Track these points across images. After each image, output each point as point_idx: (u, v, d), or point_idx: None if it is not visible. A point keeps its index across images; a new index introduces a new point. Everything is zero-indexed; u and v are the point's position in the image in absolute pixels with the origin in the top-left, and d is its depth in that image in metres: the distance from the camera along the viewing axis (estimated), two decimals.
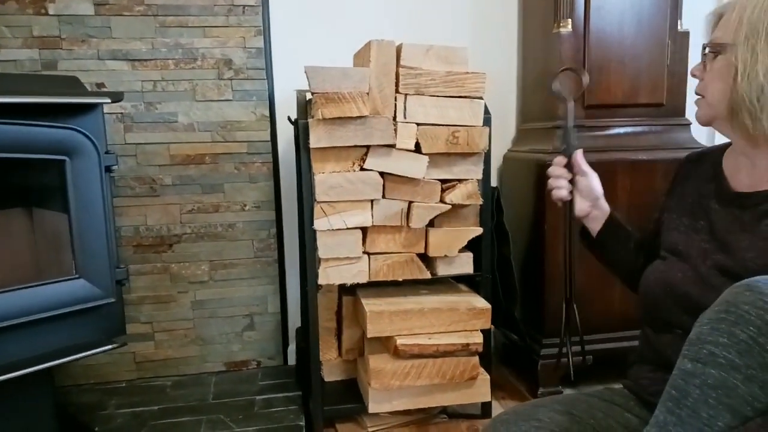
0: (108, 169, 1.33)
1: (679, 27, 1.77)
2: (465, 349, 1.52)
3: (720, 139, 1.02)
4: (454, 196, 1.52)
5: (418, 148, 1.47)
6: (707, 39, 0.94)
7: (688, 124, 1.81)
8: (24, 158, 1.22)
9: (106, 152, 1.33)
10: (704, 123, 0.97)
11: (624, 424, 0.98)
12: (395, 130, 1.45)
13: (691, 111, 1.86)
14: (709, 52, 0.91)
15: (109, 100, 1.30)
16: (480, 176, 1.54)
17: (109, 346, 1.33)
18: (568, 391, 1.76)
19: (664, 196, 1.11)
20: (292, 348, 2.01)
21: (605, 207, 1.15)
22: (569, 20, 1.69)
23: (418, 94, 1.45)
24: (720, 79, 0.89)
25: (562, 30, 1.69)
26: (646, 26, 1.73)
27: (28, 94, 1.21)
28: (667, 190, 1.10)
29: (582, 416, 0.98)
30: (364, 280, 1.53)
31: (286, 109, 1.86)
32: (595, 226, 1.16)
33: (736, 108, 0.87)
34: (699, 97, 0.96)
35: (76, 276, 1.32)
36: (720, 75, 0.89)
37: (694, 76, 0.97)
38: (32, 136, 1.21)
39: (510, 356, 2.05)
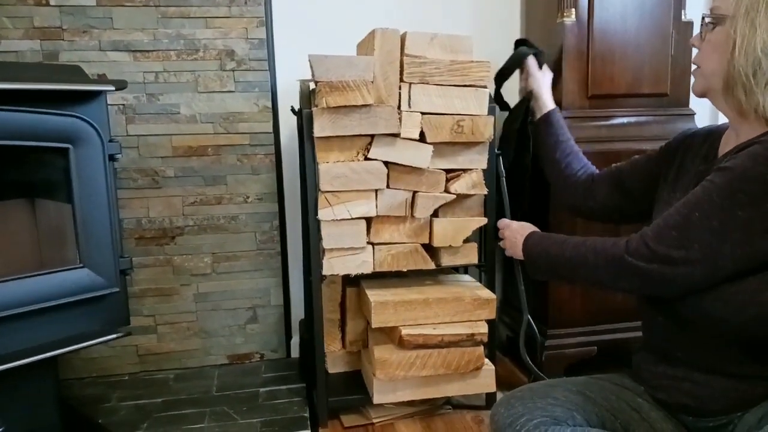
0: (112, 158, 1.32)
1: (682, 17, 1.76)
2: (470, 339, 1.51)
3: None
4: (459, 185, 1.52)
5: (422, 138, 1.47)
6: (707, 9, 0.94)
7: (692, 114, 1.81)
8: (27, 146, 1.21)
9: (110, 140, 1.32)
10: (699, 94, 0.97)
11: (636, 408, 0.99)
12: (400, 119, 1.44)
13: (695, 101, 1.85)
14: (708, 22, 0.92)
15: (113, 88, 1.29)
16: (485, 166, 1.54)
17: (114, 335, 1.32)
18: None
19: (663, 153, 1.14)
20: (295, 340, 2.01)
21: (546, 105, 1.50)
22: (573, 10, 1.68)
23: (423, 83, 1.45)
24: (716, 51, 0.90)
25: (566, 20, 1.69)
26: (650, 16, 1.73)
27: (31, 81, 1.20)
28: (667, 151, 1.12)
29: (596, 397, 0.99)
30: (368, 270, 1.53)
31: (289, 100, 1.85)
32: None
33: (731, 82, 0.87)
34: (696, 67, 0.96)
35: (80, 265, 1.31)
36: (717, 46, 0.90)
37: (693, 45, 0.97)
38: (36, 123, 1.19)
39: (514, 348, 2.04)
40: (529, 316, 1.59)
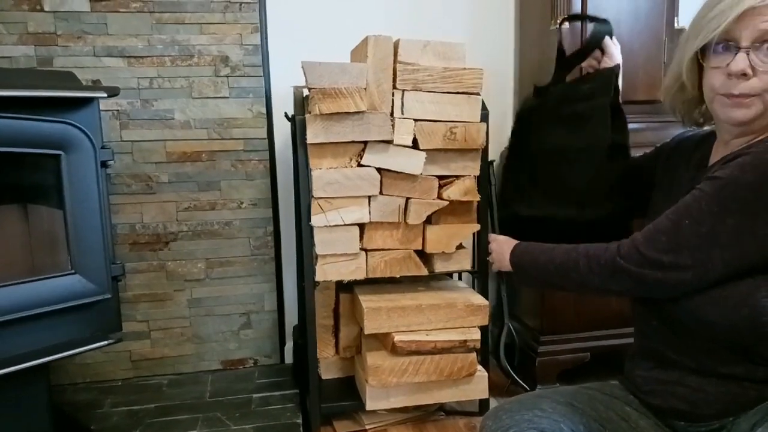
0: (104, 164, 1.32)
1: (675, 24, 1.77)
2: (463, 346, 1.51)
3: None
4: (452, 192, 1.52)
5: (415, 144, 1.47)
6: (749, 31, 0.85)
7: None
8: (19, 152, 1.21)
9: (102, 147, 1.32)
10: (748, 122, 0.90)
11: (623, 417, 0.99)
12: (393, 125, 1.44)
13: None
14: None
15: (105, 95, 1.29)
16: (477, 172, 1.54)
17: (105, 342, 1.32)
18: None
19: (657, 155, 1.16)
20: (289, 346, 2.01)
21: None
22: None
23: (416, 90, 1.45)
24: None
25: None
26: (643, 23, 1.74)
27: (23, 88, 1.20)
28: (661, 155, 1.14)
29: (583, 407, 0.99)
30: (361, 276, 1.53)
31: (283, 106, 1.86)
32: None
33: None
34: (753, 96, 0.87)
35: (72, 272, 1.31)
36: None
37: (743, 75, 0.86)
38: (27, 130, 1.20)
39: (507, 354, 2.04)
40: (509, 323, 1.61)
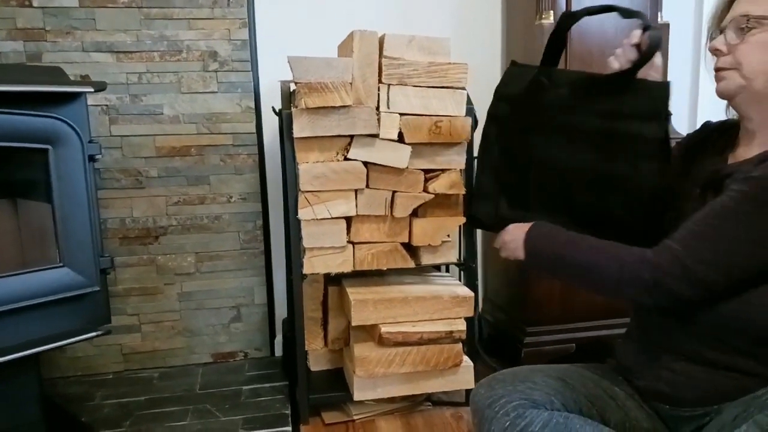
0: (91, 158, 1.33)
1: (659, 19, 1.79)
2: (448, 337, 1.54)
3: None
4: (438, 185, 1.54)
5: (401, 138, 1.49)
6: (730, 16, 0.92)
7: (669, 116, 1.84)
8: (6, 146, 1.22)
9: (90, 141, 1.33)
10: (730, 96, 0.94)
11: (612, 396, 1.01)
12: (378, 119, 1.46)
13: (673, 103, 1.88)
14: (747, 26, 0.90)
15: (92, 89, 1.30)
16: (463, 166, 1.56)
17: (94, 333, 1.33)
18: None
19: (684, 149, 1.10)
20: (278, 339, 2.03)
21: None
22: (551, 12, 1.71)
23: (401, 84, 1.47)
24: (765, 51, 0.89)
25: (544, 21, 1.71)
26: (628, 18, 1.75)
27: (10, 83, 1.21)
28: (689, 146, 1.09)
29: (574, 384, 1.01)
30: (348, 269, 1.55)
31: (271, 100, 1.87)
32: None
33: None
34: (728, 69, 0.93)
35: (60, 264, 1.32)
36: (764, 47, 0.89)
37: (717, 51, 0.93)
38: (14, 124, 1.21)
39: (494, 345, 2.06)
40: (479, 311, 1.66)
